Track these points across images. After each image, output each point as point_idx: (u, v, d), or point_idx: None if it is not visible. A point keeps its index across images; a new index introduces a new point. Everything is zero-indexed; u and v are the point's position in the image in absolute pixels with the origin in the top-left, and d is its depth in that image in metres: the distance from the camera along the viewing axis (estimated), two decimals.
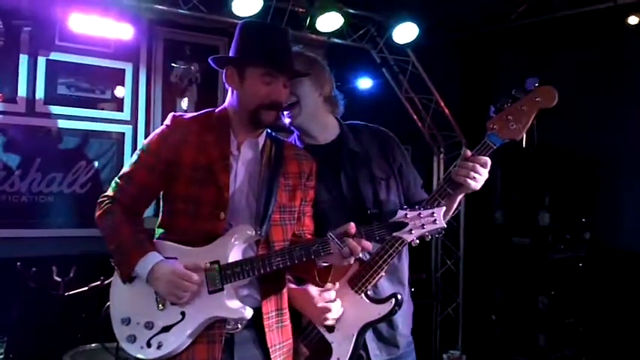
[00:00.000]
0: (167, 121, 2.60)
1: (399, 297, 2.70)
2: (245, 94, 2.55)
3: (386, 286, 2.82)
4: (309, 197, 2.74)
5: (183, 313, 2.42)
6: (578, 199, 6.00)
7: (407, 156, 2.97)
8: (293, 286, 2.77)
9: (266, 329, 2.53)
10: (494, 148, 2.57)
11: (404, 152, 2.96)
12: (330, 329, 2.71)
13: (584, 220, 5.95)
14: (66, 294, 4.11)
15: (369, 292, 2.72)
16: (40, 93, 5.14)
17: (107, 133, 5.47)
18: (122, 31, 4.99)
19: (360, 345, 2.72)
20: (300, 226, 2.72)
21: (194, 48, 5.82)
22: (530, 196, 6.04)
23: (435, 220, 2.36)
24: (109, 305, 2.55)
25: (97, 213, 2.57)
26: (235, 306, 2.43)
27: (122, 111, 5.54)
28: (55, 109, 5.22)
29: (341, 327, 2.71)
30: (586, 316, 5.75)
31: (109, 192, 2.61)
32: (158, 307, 2.44)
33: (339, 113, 2.98)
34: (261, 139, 2.67)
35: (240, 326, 2.52)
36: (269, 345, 2.53)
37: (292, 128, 2.91)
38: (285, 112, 2.82)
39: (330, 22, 5.47)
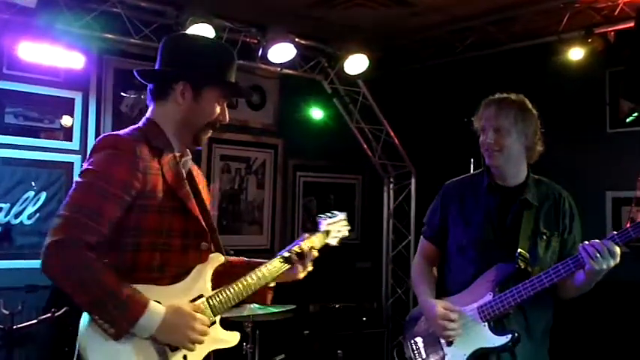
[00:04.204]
0: (125, 146, 2.26)
1: (517, 335, 2.83)
2: (197, 112, 2.41)
3: (513, 328, 2.90)
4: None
5: (185, 357, 2.27)
6: None
7: (577, 222, 3.01)
8: (429, 297, 3.06)
9: None
10: None
11: (574, 217, 3.01)
12: (449, 342, 2.95)
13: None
14: (15, 327, 4.02)
15: (491, 323, 2.88)
16: None
17: (56, 163, 5.38)
18: (72, 60, 4.96)
19: None
20: None
21: None
22: None
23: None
24: None
25: (65, 260, 2.07)
26: (228, 335, 2.42)
27: (71, 140, 5.47)
28: (2, 139, 5.12)
29: (458, 344, 2.93)
30: None
31: (70, 230, 2.09)
32: (159, 357, 2.22)
33: (534, 160, 3.03)
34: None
35: None
36: None
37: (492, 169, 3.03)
38: (487, 152, 2.95)
39: (282, 53, 5.54)
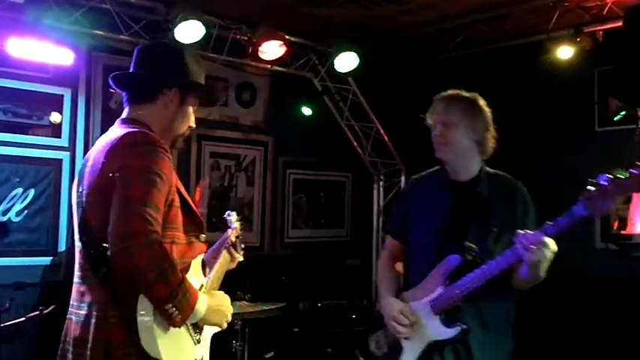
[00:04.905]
0: (161, 143, 2.32)
1: (465, 327, 2.86)
2: (180, 117, 2.51)
3: (465, 320, 2.93)
4: None
5: (205, 339, 2.47)
6: None
7: (531, 215, 3.00)
8: (387, 296, 3.11)
9: None
10: None
11: (528, 210, 3.01)
12: (406, 337, 2.99)
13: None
14: (2, 325, 4.01)
15: (443, 316, 2.91)
16: None
17: (44, 160, 5.35)
18: (62, 57, 4.93)
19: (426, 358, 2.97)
20: None
21: None
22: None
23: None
24: None
25: (151, 254, 2.12)
26: None
27: (60, 137, 5.44)
28: None
29: (413, 338, 2.97)
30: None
31: (147, 225, 2.13)
32: (194, 343, 2.38)
33: (488, 155, 3.06)
34: None
35: None
36: None
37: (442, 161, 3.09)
38: (436, 146, 3.04)
39: (272, 50, 5.53)
